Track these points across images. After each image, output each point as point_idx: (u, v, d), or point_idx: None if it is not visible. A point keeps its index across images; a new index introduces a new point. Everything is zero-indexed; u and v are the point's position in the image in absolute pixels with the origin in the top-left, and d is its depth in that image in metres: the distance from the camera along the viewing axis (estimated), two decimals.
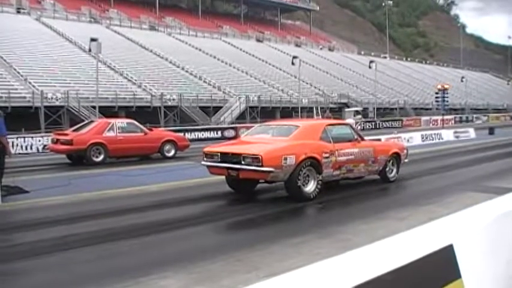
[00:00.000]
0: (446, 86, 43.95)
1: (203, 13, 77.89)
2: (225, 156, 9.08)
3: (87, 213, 8.12)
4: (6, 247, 6.35)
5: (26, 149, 22.04)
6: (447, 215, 2.86)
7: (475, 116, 58.19)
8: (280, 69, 56.94)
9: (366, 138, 11.33)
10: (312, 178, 8.91)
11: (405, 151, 11.96)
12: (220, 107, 40.02)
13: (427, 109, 58.62)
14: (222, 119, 38.42)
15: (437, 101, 44.71)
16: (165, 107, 36.05)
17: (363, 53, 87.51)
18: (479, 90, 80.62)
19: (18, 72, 34.67)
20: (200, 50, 56.77)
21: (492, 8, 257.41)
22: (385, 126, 44.08)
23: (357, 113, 43.79)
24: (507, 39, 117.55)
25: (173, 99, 37.27)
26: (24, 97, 30.83)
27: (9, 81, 32.62)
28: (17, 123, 22.68)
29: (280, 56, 63.16)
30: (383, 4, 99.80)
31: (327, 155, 9.18)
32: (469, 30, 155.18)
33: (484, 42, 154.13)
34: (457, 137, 26.19)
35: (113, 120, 17.78)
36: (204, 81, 45.55)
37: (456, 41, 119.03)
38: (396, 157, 11.30)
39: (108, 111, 30.06)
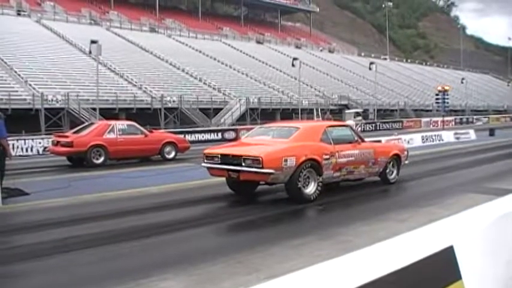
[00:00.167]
0: (446, 88, 43.94)
1: (203, 15, 77.94)
2: (226, 158, 9.08)
3: (88, 215, 8.12)
4: (7, 249, 6.35)
5: (27, 151, 22.04)
6: (447, 216, 2.86)
7: (475, 117, 58.18)
8: (281, 71, 56.95)
9: (366, 139, 11.33)
10: (313, 180, 8.91)
11: (405, 152, 11.95)
12: (221, 109, 40.03)
13: (427, 110, 58.62)
14: (222, 120, 38.43)
15: (437, 103, 44.72)
16: (165, 108, 36.05)
17: (363, 54, 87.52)
18: (479, 92, 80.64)
19: (19, 75, 34.68)
20: (200, 51, 56.80)
21: (492, 9, 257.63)
22: (385, 127, 44.07)
23: (357, 114, 43.77)
24: (507, 40, 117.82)
25: (173, 101, 37.26)
26: (25, 99, 30.84)
27: (9, 84, 32.63)
28: (18, 125, 22.68)
29: (281, 58, 63.19)
30: (383, 6, 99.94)
31: (327, 156, 9.18)
32: (469, 32, 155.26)
33: (484, 44, 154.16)
34: (457, 138, 26.19)
35: (113, 122, 17.77)
36: (204, 83, 45.56)
37: (456, 43, 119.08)
38: (396, 159, 11.30)
39: (108, 113, 30.06)
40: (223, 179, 9.76)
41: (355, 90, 59.44)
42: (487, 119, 58.78)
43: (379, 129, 42.72)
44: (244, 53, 62.93)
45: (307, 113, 43.63)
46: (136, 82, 40.23)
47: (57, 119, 30.25)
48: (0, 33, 40.84)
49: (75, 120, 29.44)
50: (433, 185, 11.19)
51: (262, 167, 8.30)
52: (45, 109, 29.85)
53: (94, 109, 29.97)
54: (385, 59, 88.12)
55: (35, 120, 28.99)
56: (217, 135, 31.08)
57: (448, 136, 25.94)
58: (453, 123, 51.79)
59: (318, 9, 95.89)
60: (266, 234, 6.95)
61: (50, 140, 19.37)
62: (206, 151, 9.71)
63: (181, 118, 36.69)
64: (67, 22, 55.38)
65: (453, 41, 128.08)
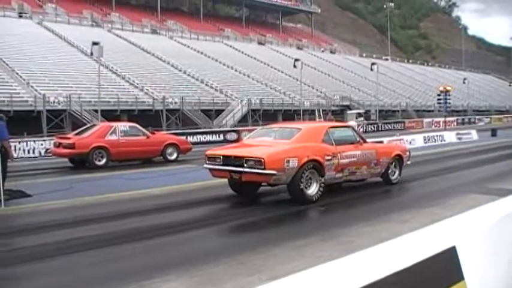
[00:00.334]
0: (448, 88, 43.88)
1: (205, 16, 78.00)
2: (228, 159, 9.08)
3: (90, 217, 8.13)
4: (9, 251, 6.36)
5: (29, 152, 22.04)
6: (450, 217, 2.85)
7: (477, 117, 58.12)
8: (282, 72, 56.95)
9: (368, 140, 11.33)
10: (315, 181, 8.91)
11: (407, 153, 11.95)
12: (222, 110, 40.03)
13: (429, 111, 58.57)
14: (224, 122, 38.43)
15: (439, 103, 44.63)
16: (167, 110, 36.06)
17: (364, 55, 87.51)
18: (481, 92, 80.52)
19: (21, 76, 34.73)
20: (202, 53, 56.84)
21: (493, 10, 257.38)
22: (387, 128, 44.04)
23: (359, 115, 43.76)
24: (509, 40, 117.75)
25: (175, 103, 37.27)
26: (26, 101, 30.89)
27: (11, 85, 32.68)
28: (19, 127, 22.69)
29: (282, 59, 63.20)
30: (384, 6, 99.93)
31: (329, 157, 9.18)
32: (470, 32, 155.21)
33: (485, 44, 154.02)
34: (459, 138, 26.16)
35: (115, 124, 17.79)
36: (206, 84, 45.59)
37: (458, 43, 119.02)
38: (398, 159, 11.30)
39: (110, 115, 30.06)
40: (225, 180, 9.76)
41: (357, 91, 59.42)
42: (489, 119, 58.71)
43: (381, 130, 42.69)
44: (245, 54, 62.96)
45: (309, 114, 43.59)
46: (138, 84, 40.26)
47: (59, 120, 30.28)
48: (2, 35, 40.93)
49: (77, 122, 29.45)
50: (435, 185, 11.17)
51: (264, 168, 8.30)
52: (47, 111, 29.87)
53: (96, 111, 29.98)
54: (387, 59, 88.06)
55: (37, 122, 29.03)
56: (219, 136, 31.05)
57: (450, 136, 25.91)
58: (455, 123, 51.74)
59: (320, 10, 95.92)
60: (268, 235, 6.95)
61: (52, 141, 19.38)
62: (208, 152, 9.72)
63: (183, 119, 36.70)
64: (69, 24, 55.48)
65: (455, 41, 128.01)
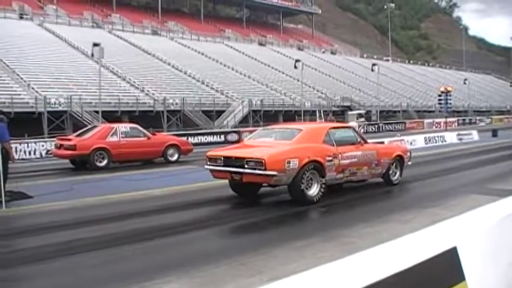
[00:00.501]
0: (449, 89, 43.82)
1: (205, 17, 78.00)
2: (228, 160, 9.08)
3: (91, 218, 8.13)
4: (10, 252, 6.36)
5: (29, 154, 22.06)
6: (451, 217, 2.85)
7: (478, 118, 58.10)
8: (283, 73, 56.95)
9: (369, 141, 11.32)
10: (315, 181, 8.91)
11: (408, 154, 11.95)
12: (223, 111, 40.02)
13: (430, 111, 58.54)
14: (225, 123, 38.43)
15: (440, 104, 44.57)
16: (168, 111, 36.06)
17: (365, 56, 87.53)
18: (482, 92, 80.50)
19: (21, 78, 34.73)
20: (203, 54, 56.85)
21: (494, 10, 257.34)
22: (388, 129, 44.05)
23: (359, 116, 43.74)
24: (509, 40, 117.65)
25: (176, 104, 37.27)
26: (27, 102, 30.90)
27: (12, 87, 32.69)
28: (20, 129, 22.69)
29: (283, 60, 63.21)
30: (385, 7, 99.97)
31: (330, 158, 9.18)
32: (471, 32, 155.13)
33: (486, 44, 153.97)
34: (460, 139, 26.14)
35: (116, 125, 17.80)
36: (207, 85, 45.59)
37: (458, 43, 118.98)
38: (399, 160, 11.30)
39: (111, 116, 30.08)
40: (226, 181, 9.76)
41: (358, 91, 59.42)
42: (489, 119, 58.70)
43: (382, 131, 42.70)
44: (246, 55, 62.98)
45: (310, 115, 43.58)
46: (138, 85, 40.26)
47: (60, 122, 30.27)
48: (3, 37, 40.93)
49: (78, 123, 29.44)
50: (436, 186, 11.17)
51: (265, 169, 8.30)
52: (48, 112, 29.87)
53: (97, 112, 29.99)
54: (388, 60, 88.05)
55: (38, 124, 29.03)
56: (219, 137, 31.05)
57: (450, 137, 25.89)
58: (456, 124, 51.71)
59: (320, 11, 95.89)
60: (269, 236, 6.95)
61: (53, 143, 19.39)
62: (209, 153, 9.72)
63: (184, 120, 36.70)
64: (69, 25, 55.49)
65: (455, 41, 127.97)
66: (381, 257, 2.14)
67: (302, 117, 41.54)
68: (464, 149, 21.44)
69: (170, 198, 10.16)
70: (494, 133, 29.46)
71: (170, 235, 7.02)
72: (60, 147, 16.73)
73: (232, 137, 31.04)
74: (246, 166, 8.61)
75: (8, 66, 36.17)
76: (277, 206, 9.11)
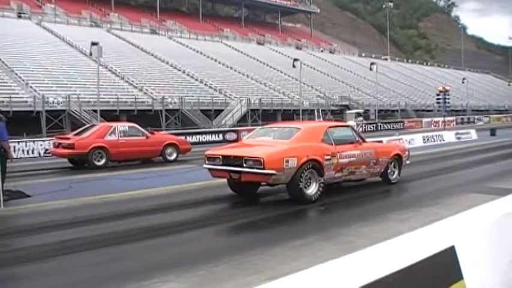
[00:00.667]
0: (447, 88, 43.91)
1: (204, 16, 77.97)
2: (227, 159, 9.08)
3: (89, 218, 8.13)
4: (8, 251, 6.35)
5: (28, 153, 22.05)
6: (449, 216, 2.85)
7: (476, 117, 58.13)
8: (281, 72, 56.96)
9: (367, 140, 11.33)
10: (314, 180, 8.91)
11: (407, 153, 11.95)
12: (222, 110, 40.02)
13: (428, 111, 58.59)
14: (223, 122, 38.42)
15: (438, 103, 44.64)
16: (166, 110, 36.04)
17: (363, 55, 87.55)
18: (480, 92, 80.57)
19: (20, 77, 34.70)
20: (201, 53, 56.82)
21: (492, 9, 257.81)
22: (386, 128, 44.08)
23: (358, 115, 43.74)
24: (508, 40, 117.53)
25: (174, 103, 37.26)
26: (26, 101, 30.86)
27: (10, 86, 32.66)
28: (19, 128, 22.70)
29: (281, 59, 63.21)
30: (383, 6, 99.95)
31: (328, 157, 9.18)
32: (469, 32, 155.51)
33: (484, 44, 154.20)
34: (458, 138, 26.16)
35: (114, 124, 17.77)
36: (205, 84, 45.57)
37: (457, 43, 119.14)
38: (398, 159, 11.30)
39: (109, 115, 30.07)
40: (225, 180, 9.76)
41: (356, 90, 59.43)
42: (488, 118, 58.73)
43: (380, 130, 42.72)
44: (245, 54, 62.96)
45: (308, 114, 43.63)
46: (137, 84, 40.24)
47: (58, 121, 30.26)
48: (1, 36, 40.89)
49: (76, 122, 29.45)
50: (435, 185, 11.17)
51: (263, 168, 8.29)
52: (46, 111, 29.85)
53: (95, 111, 29.95)
54: (386, 59, 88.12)
55: (36, 123, 29.02)
56: (218, 136, 31.06)
57: (449, 136, 25.91)
58: (454, 123, 51.77)
59: (319, 10, 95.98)
60: (267, 235, 6.95)
61: (51, 142, 19.38)
62: (207, 152, 9.72)
63: (182, 120, 36.69)
64: (68, 24, 55.44)
65: (454, 41, 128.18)
66: (378, 256, 2.14)
67: (300, 116, 41.57)
68: (462, 148, 21.46)
69: (168, 198, 10.15)
70: (493, 132, 29.49)
71: (168, 234, 7.01)
72: (58, 146, 16.71)
73: (231, 136, 31.05)
74: (244, 165, 8.61)
75: (6, 65, 36.13)
76: (276, 205, 9.11)
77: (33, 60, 38.77)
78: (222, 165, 9.13)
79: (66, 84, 35.70)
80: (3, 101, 29.26)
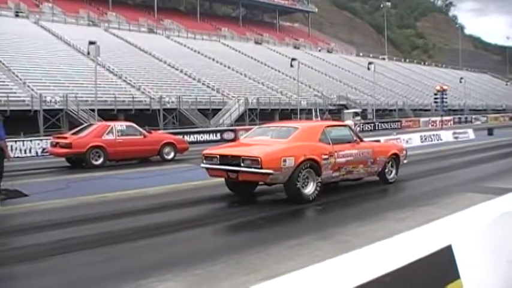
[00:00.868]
0: (445, 87, 43.94)
1: (202, 16, 77.95)
2: (225, 159, 9.08)
3: (86, 217, 8.12)
4: (5, 251, 6.34)
5: (25, 152, 22.01)
6: (446, 216, 2.86)
7: (474, 116, 58.22)
8: (279, 71, 56.97)
9: (365, 139, 11.33)
10: (311, 180, 8.91)
11: (404, 152, 11.96)
12: (219, 110, 40.03)
13: (426, 110, 58.68)
14: (221, 121, 38.42)
15: (436, 102, 44.69)
16: (164, 109, 36.03)
17: (361, 54, 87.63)
18: (478, 91, 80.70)
19: (17, 76, 34.64)
20: (199, 52, 56.78)
21: (490, 9, 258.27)
22: (384, 127, 44.11)
23: (355, 114, 43.77)
24: (506, 39, 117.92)
25: (172, 102, 37.24)
26: (23, 100, 30.81)
27: (7, 85, 32.58)
28: (16, 127, 22.65)
29: (279, 58, 63.22)
30: (381, 6, 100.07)
31: (326, 156, 9.18)
32: (467, 31, 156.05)
33: (482, 43, 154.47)
34: (456, 137, 26.19)
35: (112, 123, 17.75)
36: (203, 84, 45.55)
37: (455, 42, 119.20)
38: (395, 158, 11.31)
39: (107, 114, 30.06)
40: (222, 179, 9.76)
41: (354, 90, 59.47)
42: (485, 118, 58.83)
43: (378, 129, 42.74)
44: (242, 53, 62.95)
45: (306, 113, 43.62)
46: (134, 83, 40.21)
47: (55, 120, 30.21)
48: None
49: (74, 121, 29.43)
50: (432, 184, 11.18)
51: (261, 168, 8.29)
52: (44, 110, 29.80)
53: (93, 110, 29.94)
54: (384, 59, 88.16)
55: (34, 122, 28.97)
56: (216, 135, 31.07)
57: (446, 136, 25.94)
58: (452, 122, 51.84)
59: (316, 10, 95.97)
60: (265, 234, 6.94)
61: (49, 141, 19.36)
62: (205, 152, 9.71)
63: (180, 119, 36.66)
64: (65, 23, 55.36)
65: (452, 40, 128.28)
66: (376, 256, 2.15)
67: (298, 116, 41.57)
68: (460, 147, 21.48)
69: (166, 197, 10.14)
70: (490, 132, 29.54)
71: (166, 233, 7.01)
72: (56, 145, 16.70)
73: (229, 135, 31.06)
74: (242, 164, 8.61)
75: (3, 64, 36.06)
76: (273, 205, 9.12)
77: (31, 59, 38.70)
78: (220, 164, 9.13)
79: (64, 83, 35.65)
80: (0, 100, 29.23)
